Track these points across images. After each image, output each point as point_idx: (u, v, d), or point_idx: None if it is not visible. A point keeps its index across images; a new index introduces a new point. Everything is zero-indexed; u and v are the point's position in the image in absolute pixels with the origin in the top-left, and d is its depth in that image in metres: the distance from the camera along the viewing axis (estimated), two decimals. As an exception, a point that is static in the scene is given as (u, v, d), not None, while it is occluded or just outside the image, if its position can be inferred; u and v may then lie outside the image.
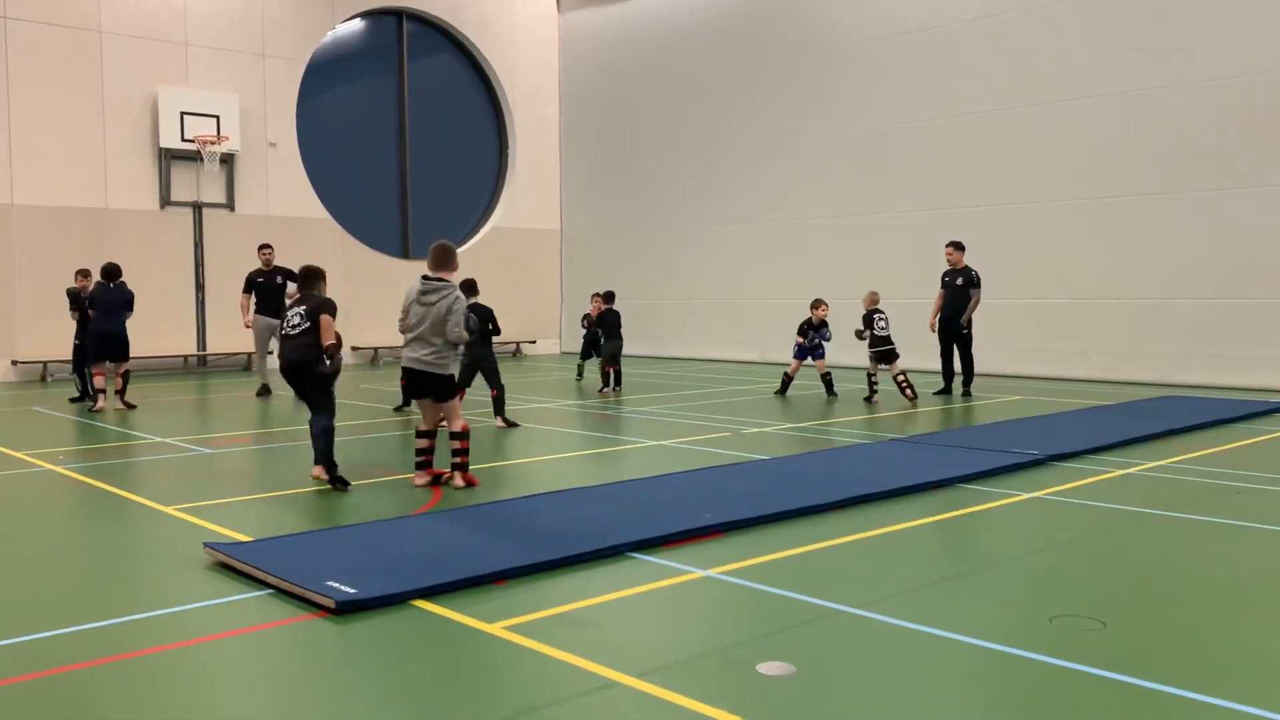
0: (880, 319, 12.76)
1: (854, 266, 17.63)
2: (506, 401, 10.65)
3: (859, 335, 12.81)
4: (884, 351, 12.68)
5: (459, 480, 7.19)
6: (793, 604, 4.47)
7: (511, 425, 10.35)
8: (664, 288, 20.93)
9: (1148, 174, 14.48)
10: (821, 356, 13.20)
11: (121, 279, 12.50)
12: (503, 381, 10.42)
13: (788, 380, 13.30)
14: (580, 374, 15.67)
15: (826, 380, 13.10)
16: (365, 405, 12.51)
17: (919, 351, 15.71)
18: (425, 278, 7.15)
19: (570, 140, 22.98)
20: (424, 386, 7.19)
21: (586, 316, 15.23)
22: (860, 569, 5.11)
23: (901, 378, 12.46)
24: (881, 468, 7.49)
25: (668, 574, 4.93)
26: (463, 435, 7.17)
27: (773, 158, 19.04)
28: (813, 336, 13.04)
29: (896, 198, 17.25)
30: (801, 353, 13.19)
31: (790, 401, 12.64)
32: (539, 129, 22.81)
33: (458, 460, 7.19)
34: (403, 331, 7.19)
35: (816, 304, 13.15)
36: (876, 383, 12.73)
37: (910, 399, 12.29)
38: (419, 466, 7.31)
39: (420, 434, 7.34)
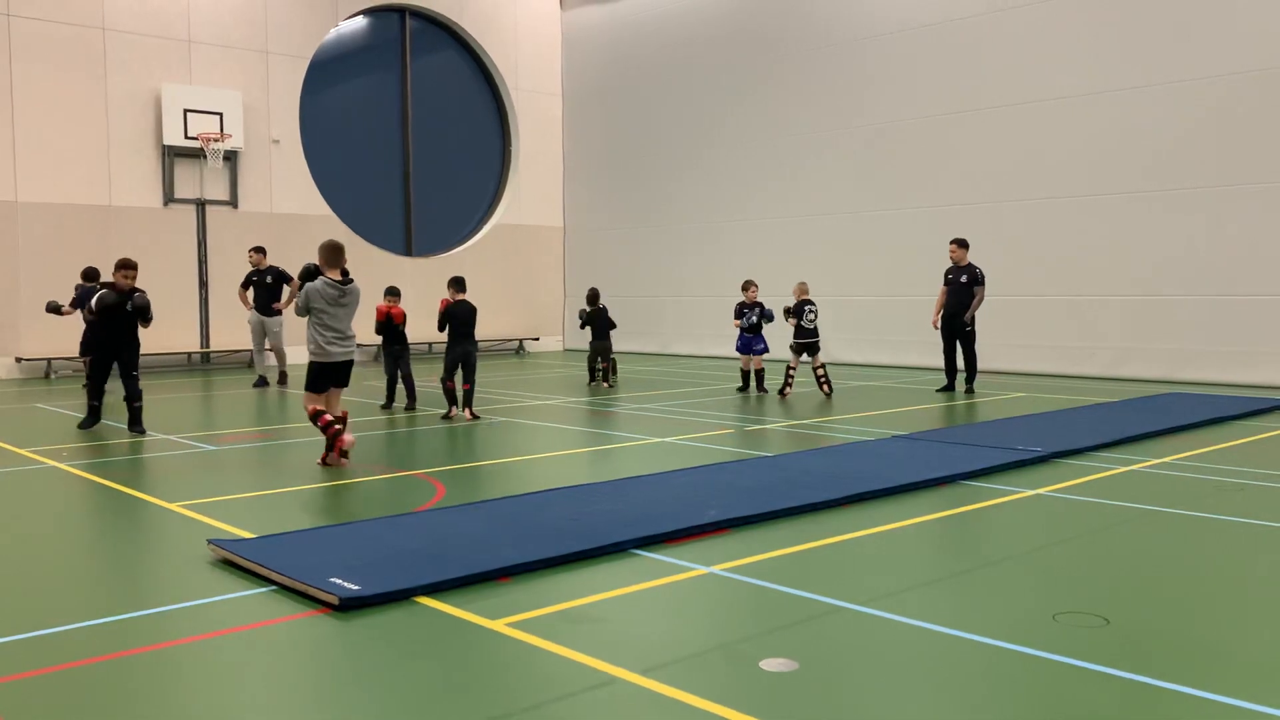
0: (810, 310, 12.64)
1: (857, 263, 17.64)
2: (475, 396, 11.26)
3: (786, 315, 12.75)
4: (808, 344, 12.62)
5: (338, 454, 7.87)
6: (796, 600, 4.46)
7: (476, 419, 10.74)
8: (667, 284, 20.93)
9: (1152, 170, 14.45)
10: (764, 350, 13.06)
11: (100, 280, 13.77)
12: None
13: (748, 376, 13.15)
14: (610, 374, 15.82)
15: (759, 376, 13.07)
16: (372, 403, 12.49)
17: (922, 348, 15.71)
18: (341, 282, 7.83)
19: (573, 137, 22.97)
20: (347, 376, 8.06)
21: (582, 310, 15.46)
22: (863, 566, 5.11)
23: (821, 371, 12.49)
24: (885, 464, 7.49)
25: (671, 570, 4.93)
26: (345, 418, 8.08)
27: (775, 154, 19.02)
28: (749, 315, 12.88)
29: (900, 194, 17.23)
30: (747, 347, 13.00)
31: (791, 399, 12.60)
32: (542, 126, 22.80)
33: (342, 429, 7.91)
34: (301, 315, 7.96)
35: (748, 285, 13.20)
36: (793, 376, 12.73)
37: (826, 394, 12.34)
38: (341, 433, 7.89)
39: (333, 420, 7.92)
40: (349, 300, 7.91)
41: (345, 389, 8.14)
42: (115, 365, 9.87)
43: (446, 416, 10.74)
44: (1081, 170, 15.12)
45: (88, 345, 10.00)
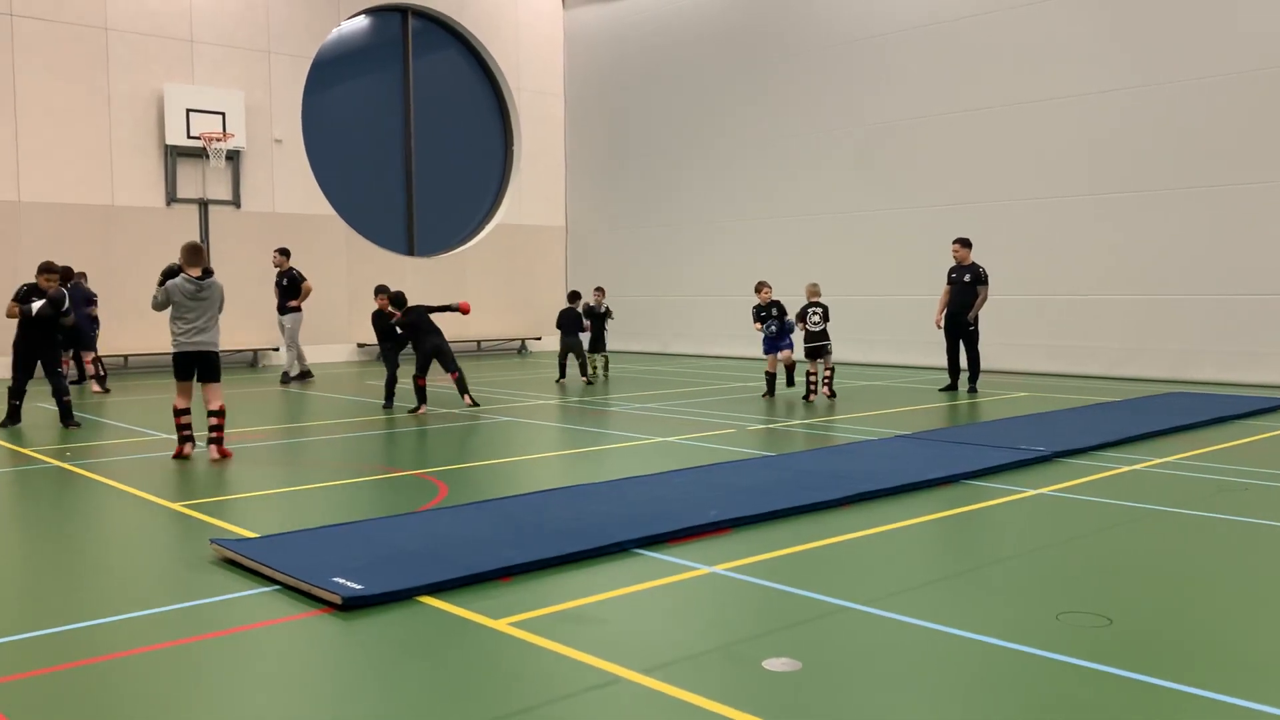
0: (814, 313, 12.18)
1: (860, 262, 17.63)
2: (468, 381, 11.80)
3: (797, 320, 12.38)
4: (813, 348, 12.14)
5: (216, 453, 8.23)
6: (798, 600, 4.46)
7: (475, 404, 11.26)
8: (668, 284, 20.93)
9: (1155, 169, 14.43)
10: (790, 346, 12.58)
11: (76, 280, 14.06)
12: (460, 365, 11.52)
13: (773, 379, 12.70)
14: (588, 369, 15.91)
15: (790, 371, 12.84)
16: (372, 402, 12.49)
17: (925, 348, 15.70)
18: (200, 278, 8.25)
19: (575, 137, 22.98)
20: (214, 368, 8.38)
21: (587, 306, 16.04)
22: (866, 565, 5.10)
23: (828, 374, 12.17)
24: (887, 464, 7.48)
25: (674, 570, 4.93)
26: (222, 412, 8.36)
27: (776, 154, 19.01)
28: (770, 324, 12.33)
29: (902, 193, 17.22)
30: (773, 346, 12.53)
31: (793, 399, 12.58)
32: (544, 125, 22.81)
33: (216, 435, 8.26)
34: (156, 309, 8.39)
35: (760, 286, 12.60)
36: (814, 379, 12.19)
37: (827, 396, 12.06)
38: (191, 439, 8.36)
39: (184, 411, 8.34)
40: (207, 295, 8.32)
41: (220, 383, 8.51)
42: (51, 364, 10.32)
43: (414, 411, 11.11)
44: (1084, 169, 15.10)
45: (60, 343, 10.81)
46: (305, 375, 15.30)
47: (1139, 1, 14.53)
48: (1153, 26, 14.41)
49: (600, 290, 16.32)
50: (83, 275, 14.62)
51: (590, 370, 15.02)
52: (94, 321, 14.49)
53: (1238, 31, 13.67)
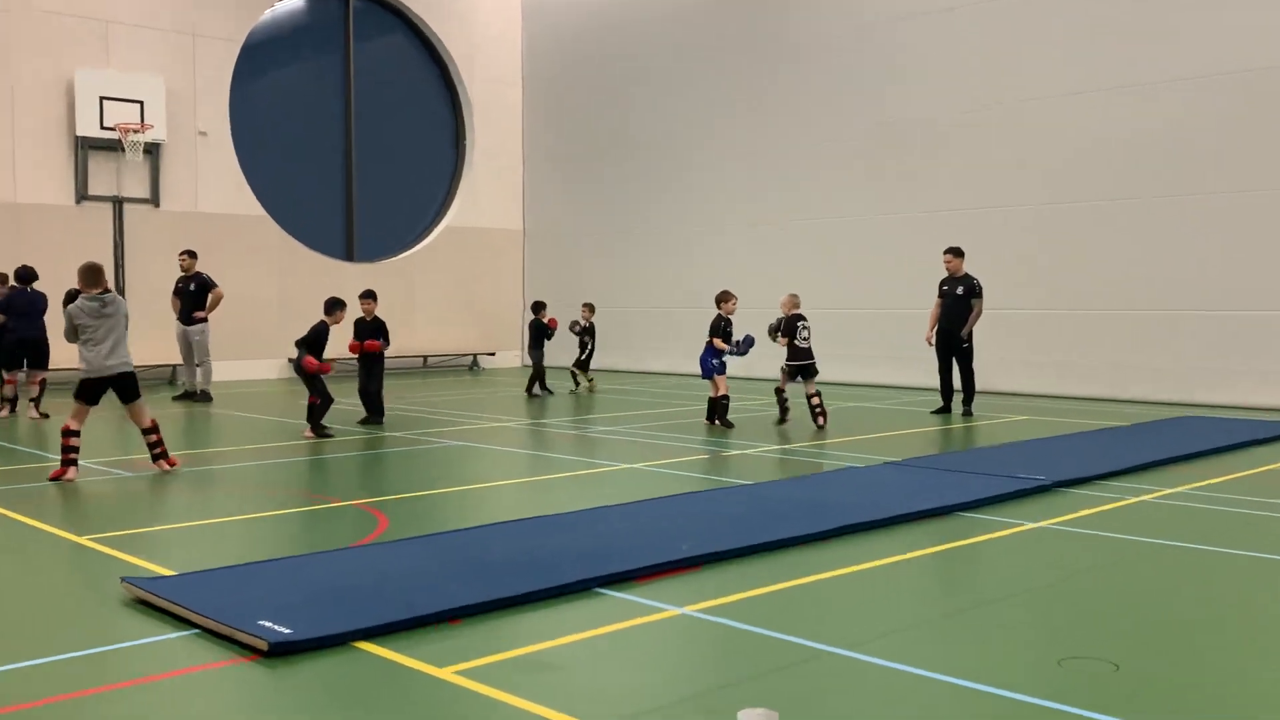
0: (803, 327, 11.89)
1: (845, 273, 17.74)
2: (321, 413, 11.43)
3: (772, 336, 12.04)
4: (803, 366, 11.82)
5: (165, 465, 8.77)
6: (777, 644, 4.47)
7: (323, 436, 11.02)
8: (641, 295, 20.90)
9: (1164, 176, 14.59)
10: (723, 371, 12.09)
11: (32, 286, 13.33)
12: (329, 393, 11.30)
13: (726, 404, 12.00)
14: (576, 383, 16.85)
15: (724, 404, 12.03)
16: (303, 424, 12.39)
17: (915, 366, 15.82)
18: (101, 295, 8.47)
19: (534, 131, 23.00)
20: (133, 387, 8.72)
21: (575, 323, 16.82)
22: (850, 606, 5.12)
23: (816, 400, 11.70)
24: (874, 494, 7.52)
25: (640, 612, 4.93)
26: (155, 427, 8.83)
27: (755, 157, 19.13)
28: (744, 342, 11.83)
29: (887, 201, 17.36)
30: (723, 366, 11.98)
31: (770, 423, 12.62)
32: (500, 119, 22.82)
33: (160, 450, 8.78)
34: (71, 340, 8.67)
35: (727, 296, 12.08)
36: (788, 400, 11.97)
37: (820, 426, 11.53)
38: (75, 463, 8.47)
39: (75, 432, 8.51)
40: (112, 310, 8.54)
41: (139, 399, 8.80)
42: None
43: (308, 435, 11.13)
44: (1087, 175, 15.27)
45: None
46: (206, 397, 14.93)
47: (1133, 3, 14.77)
48: (1149, 31, 14.57)
49: (588, 306, 16.73)
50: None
51: (586, 385, 16.56)
52: None
53: (1235, 36, 13.84)
